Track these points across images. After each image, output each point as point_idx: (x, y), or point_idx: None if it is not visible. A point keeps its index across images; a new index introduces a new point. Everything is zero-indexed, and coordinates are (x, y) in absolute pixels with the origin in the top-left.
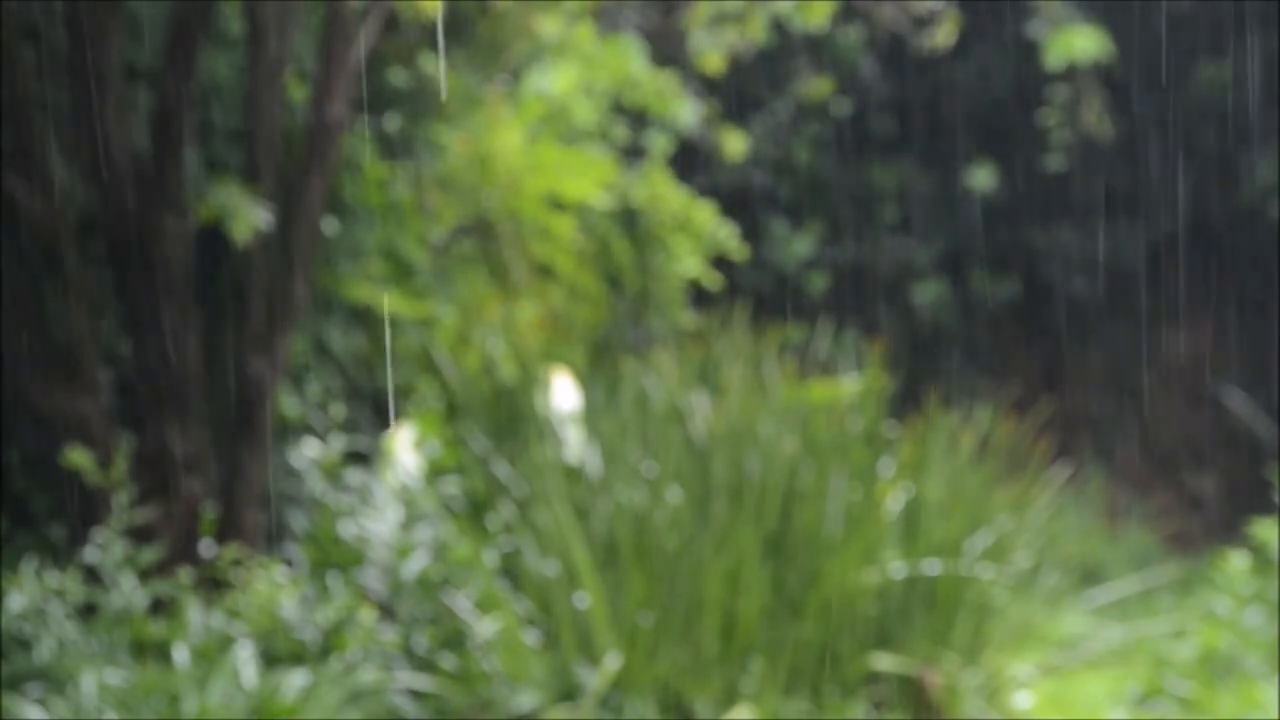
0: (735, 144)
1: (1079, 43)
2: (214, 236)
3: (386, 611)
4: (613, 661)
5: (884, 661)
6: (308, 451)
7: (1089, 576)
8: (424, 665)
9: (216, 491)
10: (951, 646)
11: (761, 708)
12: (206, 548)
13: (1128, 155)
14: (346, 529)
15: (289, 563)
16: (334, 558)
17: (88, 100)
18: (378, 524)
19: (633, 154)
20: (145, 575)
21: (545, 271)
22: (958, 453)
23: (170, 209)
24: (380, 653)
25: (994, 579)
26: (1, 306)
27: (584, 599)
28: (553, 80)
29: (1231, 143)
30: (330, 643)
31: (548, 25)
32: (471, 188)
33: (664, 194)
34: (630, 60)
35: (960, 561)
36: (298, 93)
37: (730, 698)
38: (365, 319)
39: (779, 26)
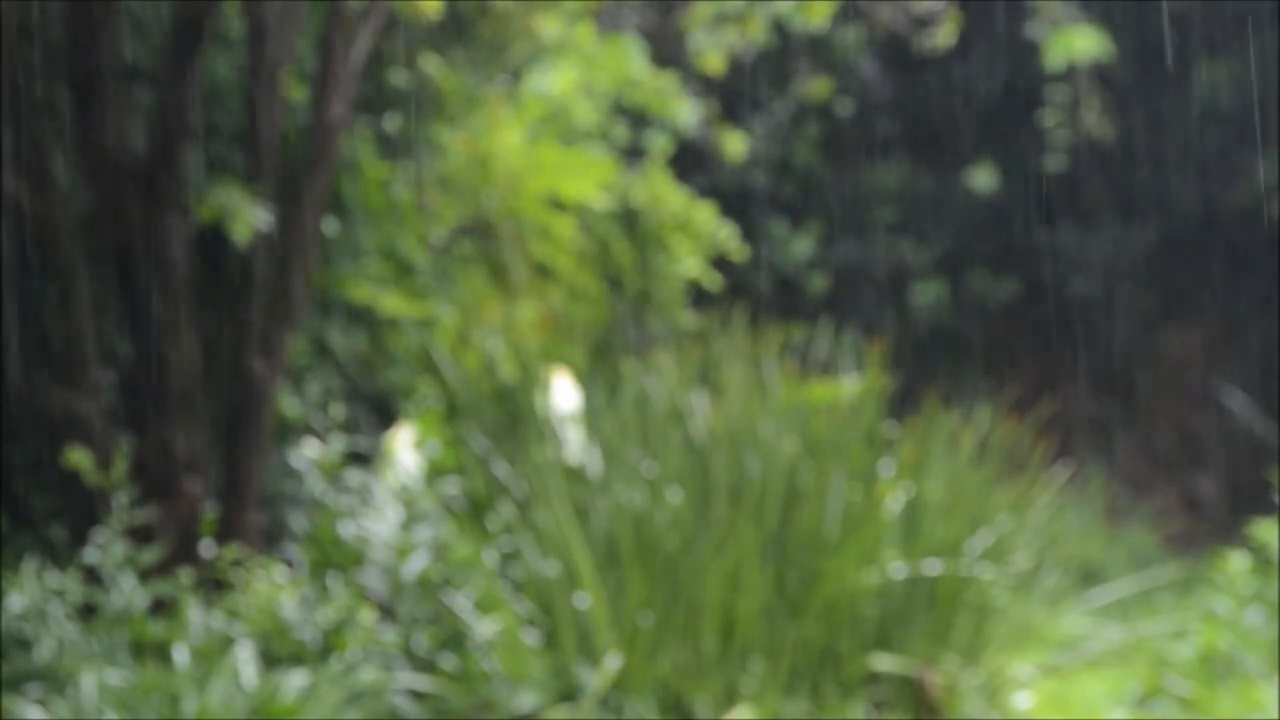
0: (735, 144)
1: (1079, 43)
2: (214, 236)
3: (386, 612)
4: (613, 662)
5: (884, 661)
6: (308, 452)
7: (1089, 576)
8: (424, 666)
9: (216, 491)
10: (951, 646)
11: (761, 708)
12: (206, 548)
13: (1128, 155)
14: (346, 529)
15: (289, 563)
16: (334, 558)
17: (88, 100)
18: (378, 524)
19: (633, 154)
20: (145, 575)
21: (545, 271)
22: (958, 453)
23: (170, 209)
24: (380, 653)
25: (994, 579)
26: (2, 306)
27: (584, 599)
28: (553, 80)
29: (1231, 143)
30: (330, 643)
31: (548, 25)
32: (471, 188)
33: (664, 194)
34: (630, 60)
35: (960, 562)
36: (298, 93)
37: (730, 698)
38: (365, 319)
39: (779, 26)
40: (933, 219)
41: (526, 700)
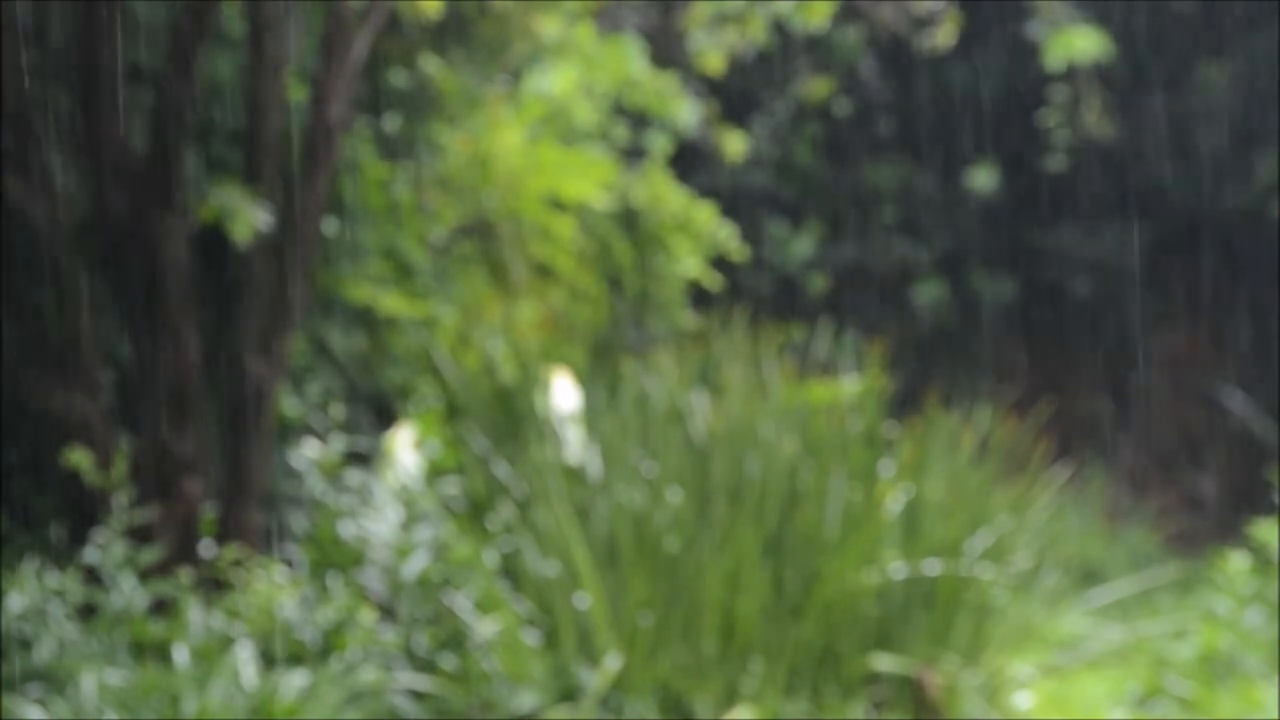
0: (735, 144)
1: (1079, 43)
2: (214, 236)
3: (386, 612)
4: (613, 662)
5: (884, 661)
6: (308, 452)
7: (1089, 576)
8: (424, 666)
9: (216, 491)
10: (951, 646)
11: (761, 708)
12: (206, 548)
13: (1128, 155)
14: (346, 529)
15: (289, 563)
16: (334, 558)
17: (88, 100)
18: (378, 524)
19: (633, 154)
20: (145, 575)
21: (545, 271)
22: (958, 453)
23: (170, 209)
24: (380, 653)
25: (994, 579)
26: (2, 306)
27: (584, 599)
28: (553, 80)
29: (1231, 143)
30: (330, 643)
31: (548, 25)
32: (471, 188)
33: (664, 194)
34: (630, 61)
35: (960, 562)
36: (298, 93)
37: (730, 698)
38: (365, 319)
39: (779, 26)
40: (933, 219)
41: (526, 700)
